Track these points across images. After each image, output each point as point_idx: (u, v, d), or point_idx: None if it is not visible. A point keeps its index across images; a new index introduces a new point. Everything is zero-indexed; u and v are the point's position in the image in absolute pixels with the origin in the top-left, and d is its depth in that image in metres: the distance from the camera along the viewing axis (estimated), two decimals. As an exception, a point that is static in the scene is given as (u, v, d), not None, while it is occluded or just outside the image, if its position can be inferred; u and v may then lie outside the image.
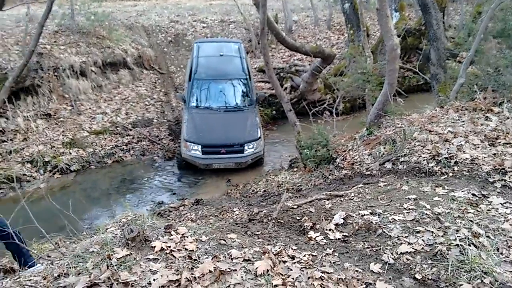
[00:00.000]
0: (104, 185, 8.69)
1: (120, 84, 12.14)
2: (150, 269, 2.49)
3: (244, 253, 2.68)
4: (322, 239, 3.02)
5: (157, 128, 11.02)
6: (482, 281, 2.35)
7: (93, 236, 3.25)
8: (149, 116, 11.46)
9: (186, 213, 6.23)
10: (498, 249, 2.60)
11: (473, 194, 3.35)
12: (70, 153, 9.29)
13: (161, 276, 2.41)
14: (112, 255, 2.60)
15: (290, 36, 12.96)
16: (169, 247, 2.73)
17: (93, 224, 6.66)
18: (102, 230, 3.14)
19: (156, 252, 2.67)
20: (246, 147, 8.16)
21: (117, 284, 2.35)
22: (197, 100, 9.09)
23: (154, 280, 2.37)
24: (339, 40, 16.31)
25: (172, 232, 2.92)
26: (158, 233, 2.93)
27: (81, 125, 10.23)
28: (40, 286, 2.45)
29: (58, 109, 10.24)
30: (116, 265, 2.50)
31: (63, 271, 2.57)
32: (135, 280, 2.39)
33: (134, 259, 2.60)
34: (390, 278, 2.45)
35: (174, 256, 2.64)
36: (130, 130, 10.70)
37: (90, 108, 10.92)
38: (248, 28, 15.79)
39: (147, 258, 2.61)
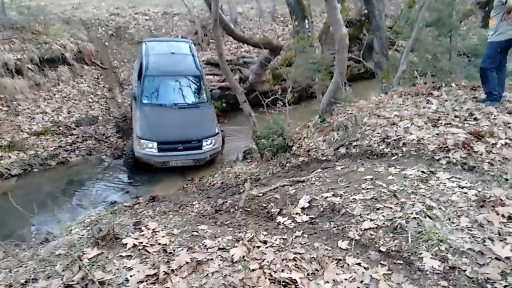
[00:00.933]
0: (49, 189, 8.21)
1: (60, 81, 11.47)
2: (125, 266, 2.46)
3: (218, 242, 2.72)
4: (290, 223, 3.14)
5: (103, 125, 10.58)
6: (439, 248, 2.58)
7: (55, 240, 3.12)
8: (93, 114, 10.97)
9: (142, 211, 6.08)
10: (449, 219, 2.86)
11: (423, 172, 3.64)
12: (10, 157, 8.67)
13: (138, 271, 2.39)
14: (82, 255, 2.53)
15: (236, 28, 12.97)
16: (141, 243, 2.71)
17: (42, 229, 6.31)
18: (65, 232, 3.02)
19: (129, 249, 2.63)
20: (204, 143, 7.92)
21: (92, 284, 2.30)
22: (149, 97, 8.64)
23: (131, 276, 2.35)
24: (284, 32, 16.60)
25: (143, 228, 2.89)
26: (128, 230, 2.88)
27: (19, 126, 9.57)
28: (7, 294, 2.33)
29: (-7, 110, 9.49)
30: (88, 265, 2.44)
31: (30, 276, 2.46)
32: (110, 278, 2.35)
33: (107, 257, 2.54)
34: (357, 253, 2.62)
35: (148, 251, 2.62)
36: (74, 129, 10.18)
37: (28, 108, 10.23)
38: (193, 20, 15.57)
39: (120, 256, 2.56)
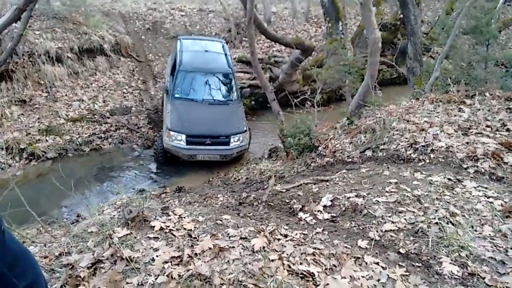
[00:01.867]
0: (82, 173, 8.58)
1: (97, 71, 11.93)
2: (152, 247, 2.60)
3: (240, 232, 2.82)
4: (311, 220, 3.20)
5: (136, 116, 10.93)
6: (459, 254, 2.59)
7: (87, 219, 3.31)
8: (127, 104, 11.34)
9: (169, 200, 6.29)
10: (472, 227, 2.85)
11: (449, 179, 3.61)
12: (47, 140, 9.12)
13: (163, 253, 2.52)
14: (112, 234, 2.69)
15: (269, 27, 13.06)
16: (168, 226, 2.84)
17: (73, 211, 6.63)
18: (97, 212, 3.20)
19: (156, 231, 2.77)
20: (232, 139, 7.91)
21: (121, 260, 2.44)
22: (181, 91, 8.76)
23: (157, 256, 2.48)
24: (317, 33, 16.56)
25: (170, 213, 3.03)
26: (156, 214, 3.03)
27: (57, 112, 10.03)
28: (43, 265, 2.51)
29: (34, 96, 9.99)
30: (118, 243, 2.59)
31: (64, 250, 2.64)
32: (138, 256, 2.49)
33: (135, 237, 2.69)
34: (376, 253, 2.66)
35: (173, 235, 2.75)
36: (108, 118, 10.57)
37: (66, 95, 10.70)
38: (228, 18, 15.77)
39: (148, 237, 2.71)
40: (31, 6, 8.22)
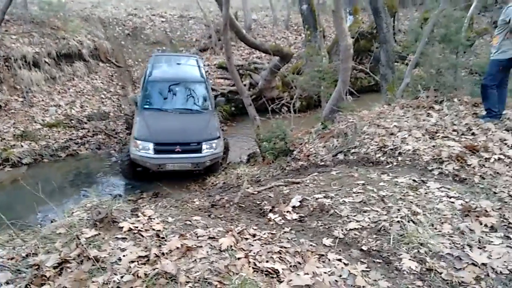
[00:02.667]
0: (57, 179, 8.47)
1: (75, 76, 11.83)
2: (119, 247, 2.62)
3: (209, 232, 2.87)
4: (280, 220, 3.27)
5: (114, 121, 10.87)
6: (418, 251, 2.70)
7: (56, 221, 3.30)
8: (105, 110, 11.28)
9: (145, 205, 6.28)
10: (432, 225, 2.97)
11: (414, 180, 3.75)
12: (22, 146, 8.99)
13: (130, 252, 2.54)
14: (80, 235, 2.70)
15: (249, 34, 13.20)
16: (137, 227, 2.86)
17: (47, 217, 6.53)
18: (67, 214, 3.20)
19: (124, 232, 2.79)
20: (204, 146, 7.38)
21: (87, 260, 2.46)
22: (150, 102, 8.33)
23: (124, 256, 2.50)
24: (297, 40, 16.81)
25: (139, 214, 3.06)
26: (125, 215, 3.05)
27: (33, 117, 9.90)
28: (9, 265, 2.50)
29: (9, 101, 9.84)
30: (85, 244, 2.61)
31: (31, 251, 2.64)
32: (105, 256, 2.51)
33: (103, 238, 2.71)
34: (340, 250, 2.75)
35: (142, 235, 2.78)
36: (85, 123, 10.48)
37: (43, 100, 10.57)
38: (208, 25, 15.87)
39: (116, 238, 2.73)
40: (3, 8, 8.11)
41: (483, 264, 2.58)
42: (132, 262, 2.47)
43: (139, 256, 2.52)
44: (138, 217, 3.02)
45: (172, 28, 16.54)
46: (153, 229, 2.88)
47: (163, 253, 2.57)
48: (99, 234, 2.74)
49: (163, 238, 2.76)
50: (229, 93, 12.33)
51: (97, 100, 11.51)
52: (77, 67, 11.92)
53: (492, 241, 2.82)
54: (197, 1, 14.95)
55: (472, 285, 2.43)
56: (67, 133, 9.96)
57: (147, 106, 8.21)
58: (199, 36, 16.28)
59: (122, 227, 2.83)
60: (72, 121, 10.32)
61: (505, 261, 2.60)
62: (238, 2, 18.61)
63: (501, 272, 2.52)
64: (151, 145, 7.18)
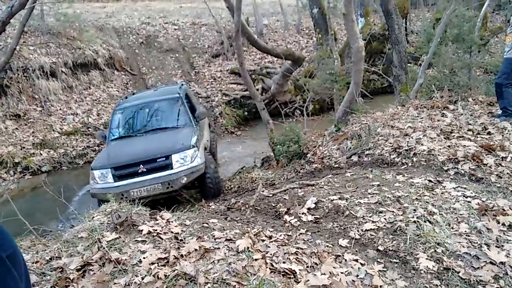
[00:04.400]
0: (76, 186, 8.66)
1: (91, 85, 12.10)
2: (139, 250, 2.69)
3: (226, 234, 2.92)
4: (296, 222, 3.30)
5: (130, 128, 11.04)
6: (435, 250, 2.69)
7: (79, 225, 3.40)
8: (121, 117, 11.47)
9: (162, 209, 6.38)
10: (449, 224, 2.96)
11: (429, 180, 3.74)
12: (41, 154, 9.22)
13: (150, 254, 2.61)
14: (101, 238, 2.78)
15: (261, 39, 13.30)
16: (156, 230, 2.94)
17: (68, 223, 6.69)
18: (88, 218, 3.29)
19: (144, 235, 2.87)
20: (174, 160, 5.84)
21: (109, 263, 2.54)
22: (117, 132, 7.09)
23: (144, 258, 2.57)
24: (308, 44, 16.84)
25: (158, 218, 3.13)
26: (144, 218, 3.13)
27: (51, 126, 10.15)
28: (34, 269, 2.59)
29: (28, 110, 10.11)
30: (106, 247, 2.69)
31: (55, 254, 2.73)
32: (125, 259, 2.58)
33: (123, 241, 2.79)
34: (356, 251, 2.77)
35: (161, 238, 2.85)
36: (102, 131, 10.68)
37: (60, 109, 10.83)
38: (220, 31, 16.03)
39: (136, 240, 2.80)
40: (23, 21, 8.36)
41: (501, 263, 2.57)
42: (152, 264, 2.53)
43: (159, 258, 2.59)
44: (157, 220, 3.10)
45: (185, 35, 16.77)
46: (172, 232, 2.95)
47: (182, 255, 2.63)
48: (120, 237, 2.82)
49: (181, 240, 2.83)
50: (242, 98, 12.44)
51: (113, 108, 11.71)
52: (93, 76, 12.20)
53: (510, 240, 2.79)
54: (209, 8, 15.12)
55: (490, 284, 2.42)
56: (84, 140, 10.18)
57: (113, 137, 6.96)
58: (211, 42, 16.47)
59: (141, 230, 2.91)
60: (89, 129, 10.55)
61: (523, 260, 2.58)
62: (249, 8, 18.77)
63: (519, 271, 2.51)
64: (109, 172, 5.80)
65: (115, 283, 2.36)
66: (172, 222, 3.10)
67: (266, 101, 11.86)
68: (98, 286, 2.36)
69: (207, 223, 3.14)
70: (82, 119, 10.79)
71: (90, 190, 6.03)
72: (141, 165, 5.77)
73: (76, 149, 9.79)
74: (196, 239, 2.81)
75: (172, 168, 5.82)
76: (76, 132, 10.26)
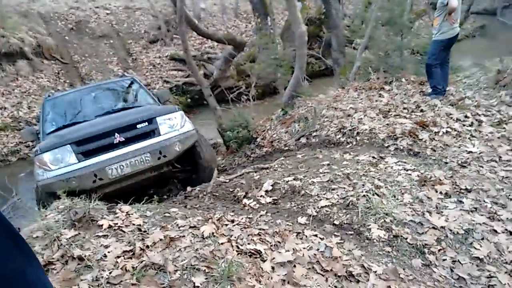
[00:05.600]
0: (11, 184, 8.08)
1: (19, 76, 11.21)
2: (102, 244, 2.64)
3: (189, 221, 2.96)
4: (255, 205, 3.42)
5: (66, 121, 10.44)
6: (384, 220, 2.95)
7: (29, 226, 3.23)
8: (55, 109, 10.79)
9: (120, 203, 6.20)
10: (394, 196, 3.25)
11: (373, 157, 4.03)
12: (-33, 153, 8.46)
13: (115, 248, 2.58)
14: (60, 236, 2.69)
15: (200, 24, 13.10)
16: (116, 224, 2.89)
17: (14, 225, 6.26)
18: (39, 217, 3.14)
19: (105, 229, 2.81)
20: (159, 123, 4.49)
21: (72, 260, 2.47)
22: (57, 120, 5.33)
23: (108, 252, 2.54)
24: (247, 28, 16.88)
25: (117, 211, 3.08)
26: (103, 213, 3.05)
27: (-23, 122, 9.31)
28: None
29: None
30: (66, 244, 2.61)
31: (10, 257, 2.60)
32: (89, 255, 2.53)
33: (84, 237, 2.71)
34: (314, 227, 2.95)
35: (123, 231, 2.81)
36: (35, 124, 9.98)
37: (-15, 103, 9.94)
38: (156, 15, 15.51)
39: (97, 236, 2.74)
40: None
41: (442, 227, 2.88)
42: (118, 257, 2.51)
43: (124, 251, 2.57)
44: (116, 213, 3.04)
45: (118, 20, 16.00)
46: (133, 224, 2.92)
47: (147, 246, 2.63)
48: (79, 233, 2.74)
49: (145, 231, 2.81)
50: (184, 84, 12.23)
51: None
52: (20, 66, 11.29)
53: (447, 206, 3.14)
54: (143, -9, 14.56)
55: (434, 246, 2.72)
56: (16, 136, 9.47)
57: (53, 129, 5.14)
58: (147, 27, 15.90)
59: (101, 225, 2.85)
60: (21, 123, 9.82)
61: (460, 223, 2.92)
62: (185, -9, 18.31)
63: (457, 232, 2.83)
64: (69, 149, 4.12)
65: (82, 280, 2.31)
66: (132, 214, 3.06)
67: (209, 87, 11.78)
68: (64, 285, 2.30)
69: (169, 213, 3.14)
70: (12, 113, 9.99)
71: (37, 182, 4.17)
72: (116, 134, 4.24)
73: (7, 145, 9.09)
74: (160, 229, 2.81)
75: (159, 135, 4.44)
76: (6, 128, 9.50)
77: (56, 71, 12.45)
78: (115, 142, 4.22)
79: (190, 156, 4.83)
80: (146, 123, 4.43)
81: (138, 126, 4.39)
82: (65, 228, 2.82)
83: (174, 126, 4.59)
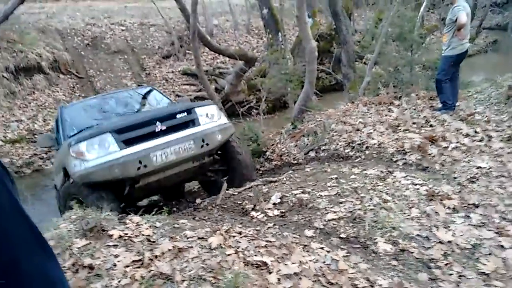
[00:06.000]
0: (25, 196, 8.25)
1: (36, 89, 11.52)
2: (112, 254, 2.70)
3: (197, 232, 3.00)
4: (263, 217, 3.46)
5: (80, 134, 10.67)
6: (391, 234, 2.96)
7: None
8: (70, 122, 11.04)
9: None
10: (402, 210, 3.26)
11: (382, 171, 4.05)
12: (-16, 165, 8.66)
13: (124, 257, 2.64)
14: (71, 245, 2.76)
15: (212, 40, 13.34)
16: (127, 234, 2.96)
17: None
18: (53, 227, 3.23)
19: (115, 239, 2.88)
20: (199, 114, 4.42)
21: (82, 268, 2.54)
22: (79, 124, 5.06)
23: (118, 262, 2.60)
24: (259, 44, 17.11)
25: (127, 221, 3.14)
26: (114, 223, 3.12)
27: (-6, 134, 9.57)
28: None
29: (-33, 118, 9.46)
30: (78, 253, 2.68)
31: (23, 265, 2.67)
32: (99, 264, 2.59)
33: (94, 247, 2.78)
34: (321, 239, 2.97)
35: (132, 241, 2.87)
36: (48, 134, 10.23)
37: (3, 116, 10.22)
38: (170, 32, 15.85)
39: (107, 245, 2.81)
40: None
41: (449, 241, 2.88)
42: (127, 266, 2.57)
43: (133, 261, 2.62)
44: (127, 224, 3.11)
45: (133, 36, 16.39)
46: (143, 235, 2.98)
47: (156, 256, 2.68)
48: (90, 243, 2.81)
49: (154, 242, 2.87)
50: (196, 98, 12.40)
51: (60, 113, 11.25)
52: (37, 80, 11.61)
53: (455, 221, 3.13)
54: (157, 8, 14.91)
55: (440, 261, 2.71)
56: (31, 148, 9.69)
57: (76, 132, 4.86)
58: (161, 43, 16.24)
59: (112, 235, 2.91)
60: (36, 136, 10.03)
61: (467, 238, 2.91)
62: (198, 8, 18.69)
63: (465, 247, 2.82)
64: (110, 137, 3.96)
65: (91, 288, 2.38)
66: (142, 225, 3.13)
67: (221, 101, 11.93)
68: (74, 292, 2.36)
69: (178, 224, 3.20)
70: (28, 125, 10.25)
71: (74, 175, 3.90)
72: (157, 122, 4.12)
73: (23, 157, 9.29)
74: (169, 240, 2.87)
75: (199, 124, 4.37)
76: (22, 140, 9.74)
77: (72, 85, 12.77)
78: (156, 130, 4.11)
79: (226, 154, 4.76)
80: (185, 113, 4.38)
81: (178, 116, 4.33)
82: (76, 238, 2.89)
83: (212, 117, 4.54)
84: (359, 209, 3.25)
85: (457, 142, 4.63)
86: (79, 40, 15.05)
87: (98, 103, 5.69)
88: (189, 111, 4.40)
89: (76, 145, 3.93)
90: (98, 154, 3.89)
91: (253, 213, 3.55)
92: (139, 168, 3.85)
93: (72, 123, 5.16)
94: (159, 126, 4.09)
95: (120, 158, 3.85)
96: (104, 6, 20.21)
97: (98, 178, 3.81)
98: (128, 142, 3.98)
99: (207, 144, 4.22)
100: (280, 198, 3.69)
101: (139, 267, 2.57)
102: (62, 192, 4.27)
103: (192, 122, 4.37)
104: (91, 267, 2.54)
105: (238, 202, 3.94)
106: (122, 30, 16.68)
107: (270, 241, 2.93)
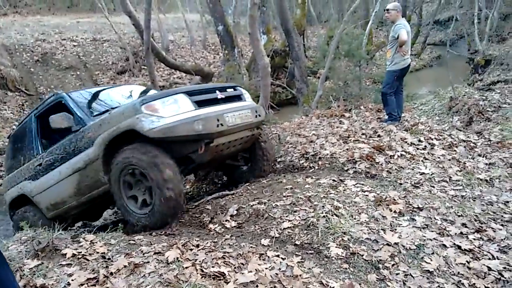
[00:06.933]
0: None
1: (-20, 108, 10.93)
2: (65, 273, 2.65)
3: (154, 248, 3.00)
4: (220, 229, 3.51)
5: (29, 153, 10.20)
6: (342, 239, 3.11)
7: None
8: (18, 142, 10.54)
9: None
10: (352, 216, 3.43)
11: (334, 180, 4.23)
12: None
13: (78, 276, 2.60)
14: (23, 266, 2.68)
15: (168, 55, 13.32)
16: (80, 252, 2.90)
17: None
18: (2, 249, 3.09)
19: (68, 258, 2.82)
20: (242, 91, 4.85)
21: (34, 290, 2.47)
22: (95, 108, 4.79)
23: (72, 280, 2.55)
24: (215, 59, 17.27)
25: (81, 240, 3.09)
26: (67, 242, 3.05)
27: None
28: None
29: None
30: (29, 274, 2.60)
31: (-32, 290, 2.56)
32: (52, 283, 2.53)
33: (47, 267, 2.72)
34: (277, 247, 3.07)
35: (87, 259, 2.83)
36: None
37: None
38: (124, 47, 15.64)
39: (60, 265, 2.75)
40: None
41: (395, 243, 3.07)
42: (82, 285, 2.53)
43: (88, 279, 2.58)
44: (80, 242, 3.05)
45: (86, 52, 16.01)
46: (97, 252, 2.93)
47: (111, 273, 2.65)
48: (42, 263, 2.75)
49: (109, 259, 2.84)
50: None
51: (8, 132, 10.70)
52: (-18, 98, 11.03)
53: (401, 224, 3.34)
54: (111, 23, 14.71)
55: (388, 262, 2.89)
56: (-24, 169, 9.15)
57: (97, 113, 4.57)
58: (115, 59, 15.97)
59: (65, 254, 2.85)
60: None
61: (412, 239, 3.12)
62: (153, 23, 18.58)
63: (410, 248, 3.02)
64: (184, 98, 4.03)
65: (44, 309, 2.32)
66: (96, 243, 3.08)
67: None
68: (26, 315, 2.30)
69: (133, 240, 3.18)
70: (-28, 146, 9.69)
71: (149, 131, 3.72)
72: (217, 91, 4.36)
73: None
74: (125, 256, 2.85)
75: (245, 100, 4.70)
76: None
77: (21, 102, 12.25)
78: (218, 97, 4.31)
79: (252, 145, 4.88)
80: (232, 89, 4.69)
81: (228, 90, 4.60)
82: (28, 259, 2.81)
83: (249, 97, 4.89)
84: (312, 217, 3.39)
85: (402, 151, 4.94)
86: (28, 56, 14.50)
87: (108, 92, 5.48)
88: (235, 88, 4.77)
89: (150, 103, 3.94)
90: (175, 112, 3.92)
91: (210, 226, 3.60)
92: (218, 126, 3.94)
93: (89, 105, 4.85)
94: (219, 94, 4.31)
95: (201, 115, 3.92)
96: (55, 21, 19.63)
97: (180, 132, 3.81)
98: (199, 104, 4.10)
99: (259, 115, 4.52)
100: (237, 210, 3.77)
101: (94, 285, 2.54)
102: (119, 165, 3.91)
103: (239, 97, 4.65)
104: (43, 287, 2.48)
105: (196, 216, 3.97)
106: (74, 45, 16.26)
107: (227, 252, 2.99)
